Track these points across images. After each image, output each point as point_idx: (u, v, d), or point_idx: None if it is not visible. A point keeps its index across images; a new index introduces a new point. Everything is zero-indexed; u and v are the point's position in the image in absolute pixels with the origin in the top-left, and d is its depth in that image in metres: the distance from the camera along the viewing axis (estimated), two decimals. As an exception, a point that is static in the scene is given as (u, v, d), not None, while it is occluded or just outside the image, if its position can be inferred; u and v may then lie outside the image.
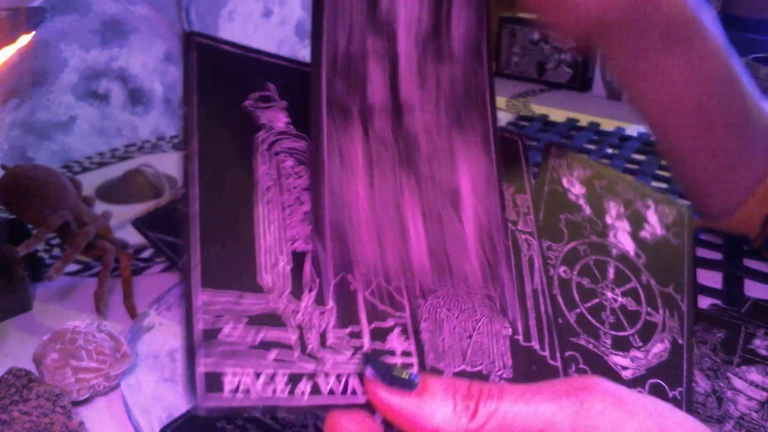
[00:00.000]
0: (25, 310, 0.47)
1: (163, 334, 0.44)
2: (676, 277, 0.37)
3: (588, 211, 0.37)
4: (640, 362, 0.33)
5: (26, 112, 0.93)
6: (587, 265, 0.35)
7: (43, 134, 0.96)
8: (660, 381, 0.33)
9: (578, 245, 0.35)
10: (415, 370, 0.27)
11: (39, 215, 0.47)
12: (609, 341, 0.33)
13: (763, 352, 0.39)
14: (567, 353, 0.31)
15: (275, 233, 0.26)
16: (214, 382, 0.22)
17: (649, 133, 0.48)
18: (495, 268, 0.30)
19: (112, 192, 0.64)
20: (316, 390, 0.24)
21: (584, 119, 0.87)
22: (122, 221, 0.55)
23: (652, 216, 0.39)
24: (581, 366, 0.31)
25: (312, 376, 0.24)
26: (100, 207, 0.56)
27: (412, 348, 0.27)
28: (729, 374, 0.38)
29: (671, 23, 0.38)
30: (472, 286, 0.29)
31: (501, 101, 0.94)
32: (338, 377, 0.25)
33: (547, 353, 0.30)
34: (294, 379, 0.24)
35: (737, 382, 0.38)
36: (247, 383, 0.23)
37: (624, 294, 0.35)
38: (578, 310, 0.33)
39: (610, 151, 0.78)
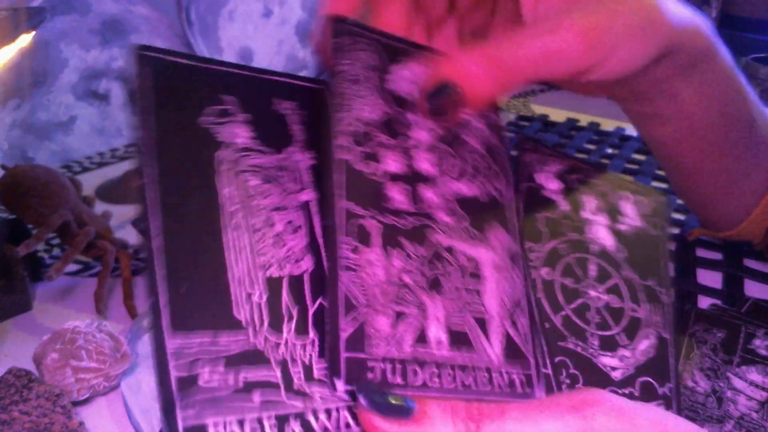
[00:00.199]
0: (25, 310, 0.47)
1: (163, 334, 0.44)
2: (656, 270, 0.37)
3: (565, 206, 0.35)
4: (628, 361, 0.33)
5: (26, 112, 0.93)
6: (569, 264, 0.34)
7: (43, 134, 0.96)
8: (649, 379, 0.33)
9: (558, 244, 0.34)
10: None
11: (39, 215, 0.47)
12: (596, 342, 0.32)
13: (763, 352, 0.39)
14: (557, 359, 0.31)
15: (246, 261, 0.24)
16: None
17: (657, 160, 0.47)
18: (517, 348, 0.28)
19: (112, 192, 0.64)
20: (308, 429, 0.23)
21: (584, 119, 0.87)
22: (122, 221, 0.55)
23: (629, 207, 0.38)
24: (572, 371, 0.31)
25: (301, 415, 0.23)
26: (100, 207, 0.56)
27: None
28: (729, 374, 0.38)
29: (689, 56, 0.36)
30: (492, 364, 0.27)
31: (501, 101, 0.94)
32: (328, 412, 0.23)
33: (538, 361, 0.30)
34: (282, 421, 0.22)
35: (737, 382, 0.38)
36: None
37: (607, 291, 0.34)
38: (564, 313, 0.32)
39: (610, 151, 0.78)
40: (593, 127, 0.85)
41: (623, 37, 0.31)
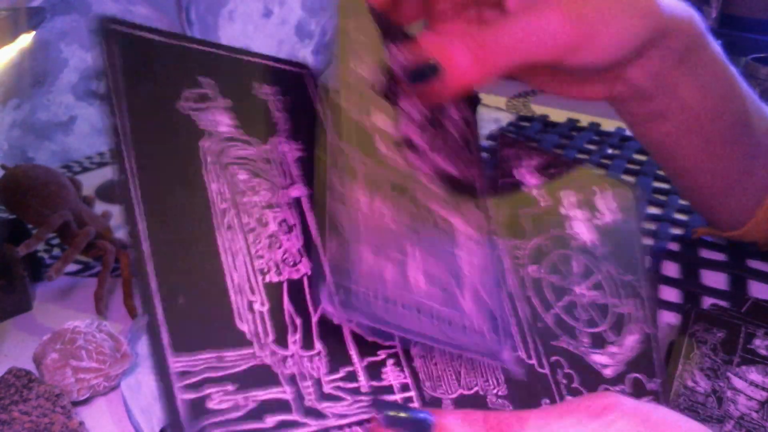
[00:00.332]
0: (25, 310, 0.47)
1: (163, 334, 0.44)
2: (634, 264, 0.36)
3: (545, 202, 0.35)
4: (617, 358, 0.33)
5: (26, 112, 0.93)
6: (553, 261, 0.34)
7: (43, 134, 0.96)
8: (638, 375, 0.33)
9: (542, 241, 0.34)
10: (416, 404, 0.25)
11: (39, 215, 0.47)
12: (587, 340, 0.32)
13: (763, 352, 0.39)
14: (552, 359, 0.30)
15: (243, 266, 0.22)
16: None
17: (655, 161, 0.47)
18: (486, 305, 0.28)
19: (112, 192, 0.64)
20: None
21: (585, 119, 0.87)
22: (122, 221, 0.55)
23: (605, 201, 0.37)
24: (567, 371, 0.31)
25: None
26: (100, 207, 0.56)
27: (409, 380, 0.25)
28: (729, 374, 0.38)
29: (682, 43, 0.36)
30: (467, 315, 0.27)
31: (501, 101, 0.94)
32: (340, 428, 0.22)
33: (534, 361, 0.30)
34: None
35: (737, 382, 0.38)
36: None
37: (591, 287, 0.34)
38: (554, 311, 0.32)
39: (610, 151, 0.77)
40: (594, 127, 0.85)
41: (609, 15, 0.32)
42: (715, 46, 0.39)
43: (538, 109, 0.93)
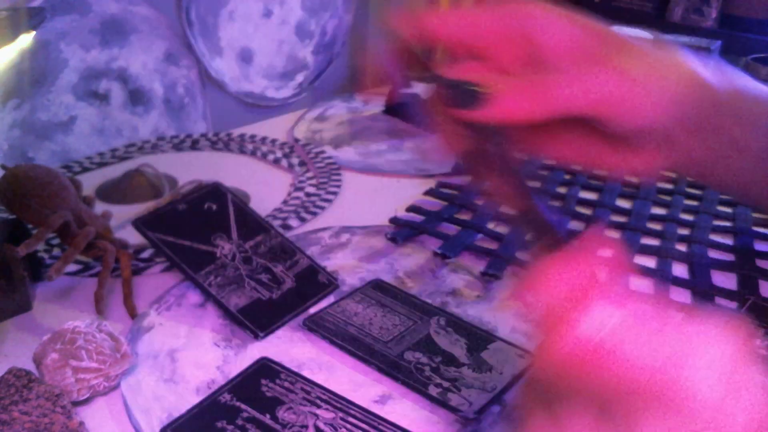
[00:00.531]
0: (25, 310, 0.47)
1: (163, 334, 0.44)
2: None
3: None
4: None
5: (26, 112, 0.93)
6: None
7: (43, 134, 0.96)
8: None
9: None
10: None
11: (39, 215, 0.47)
12: None
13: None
14: None
15: None
16: None
17: None
18: None
19: (112, 192, 0.64)
20: None
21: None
22: (122, 221, 0.55)
23: None
24: None
25: None
26: (100, 207, 0.56)
27: None
28: (729, 374, 0.38)
29: (733, 104, 0.35)
30: None
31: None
32: None
33: None
34: None
35: (737, 382, 0.38)
36: None
37: None
38: None
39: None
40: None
41: (659, 83, 0.32)
42: (756, 86, 0.38)
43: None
